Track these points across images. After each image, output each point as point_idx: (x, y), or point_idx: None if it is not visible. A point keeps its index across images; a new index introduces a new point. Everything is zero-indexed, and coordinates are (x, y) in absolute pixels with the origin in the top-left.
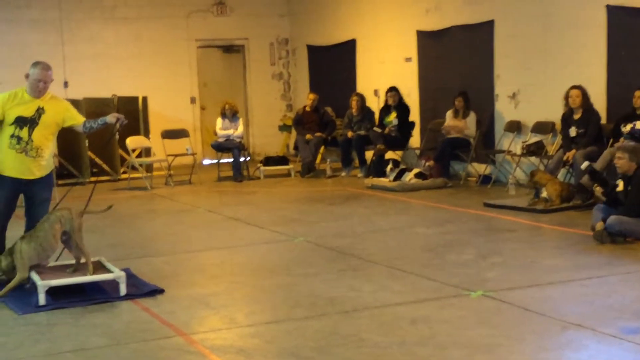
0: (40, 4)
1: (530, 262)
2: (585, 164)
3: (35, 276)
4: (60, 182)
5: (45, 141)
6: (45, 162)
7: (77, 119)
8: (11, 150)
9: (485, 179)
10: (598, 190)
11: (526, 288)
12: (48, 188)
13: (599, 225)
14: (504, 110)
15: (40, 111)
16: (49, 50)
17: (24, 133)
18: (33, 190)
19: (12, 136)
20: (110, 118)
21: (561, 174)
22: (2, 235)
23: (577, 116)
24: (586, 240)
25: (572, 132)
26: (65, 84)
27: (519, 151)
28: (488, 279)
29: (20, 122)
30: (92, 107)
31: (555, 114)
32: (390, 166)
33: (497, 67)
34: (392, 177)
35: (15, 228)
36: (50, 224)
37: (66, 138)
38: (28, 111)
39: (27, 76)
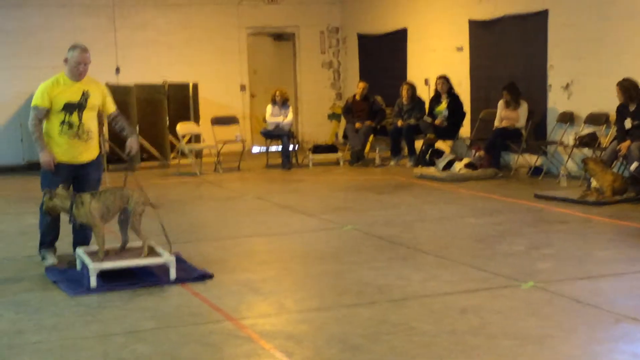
0: None
1: (582, 254)
2: (634, 165)
3: (86, 259)
4: (110, 167)
5: (93, 122)
6: (95, 143)
7: (110, 107)
8: (63, 137)
9: (537, 170)
10: None
11: (578, 280)
12: (99, 169)
13: None
14: (557, 100)
15: (85, 95)
16: (101, 36)
17: (74, 118)
18: (86, 172)
19: (62, 123)
20: (130, 142)
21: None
22: (57, 221)
23: (632, 108)
24: None
25: (628, 123)
26: (117, 70)
27: (571, 142)
28: (539, 270)
29: (69, 107)
30: (144, 94)
31: (609, 105)
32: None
33: (550, 57)
34: (441, 167)
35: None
36: (120, 194)
37: None
38: (75, 96)
39: (65, 60)
